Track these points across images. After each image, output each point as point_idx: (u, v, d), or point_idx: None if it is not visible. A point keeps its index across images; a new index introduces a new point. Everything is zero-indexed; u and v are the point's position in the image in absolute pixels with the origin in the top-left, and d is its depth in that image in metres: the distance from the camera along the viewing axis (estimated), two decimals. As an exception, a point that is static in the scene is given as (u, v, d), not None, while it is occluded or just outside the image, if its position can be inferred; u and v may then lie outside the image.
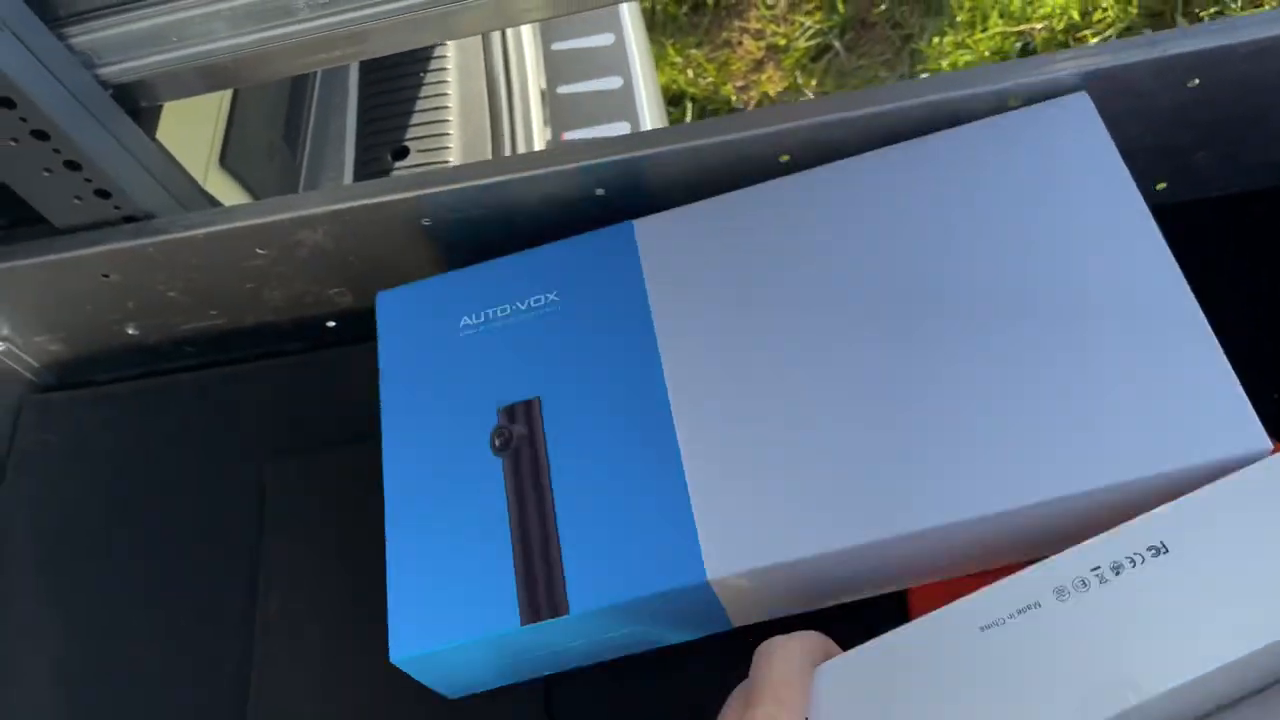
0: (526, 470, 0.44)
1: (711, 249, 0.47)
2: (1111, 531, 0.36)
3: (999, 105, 0.48)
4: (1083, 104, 0.47)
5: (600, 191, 0.52)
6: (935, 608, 0.43)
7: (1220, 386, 0.39)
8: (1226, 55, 0.47)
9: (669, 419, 0.43)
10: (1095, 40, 1.02)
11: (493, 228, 0.54)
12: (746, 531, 0.40)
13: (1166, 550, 0.36)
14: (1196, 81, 0.48)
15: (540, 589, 0.41)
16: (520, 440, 0.44)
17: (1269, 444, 0.38)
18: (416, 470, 0.45)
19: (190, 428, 0.59)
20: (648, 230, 0.49)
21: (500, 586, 0.42)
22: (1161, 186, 0.54)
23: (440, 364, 0.47)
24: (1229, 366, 0.40)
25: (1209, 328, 0.41)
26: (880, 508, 0.39)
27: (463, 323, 0.48)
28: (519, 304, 0.48)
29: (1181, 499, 0.37)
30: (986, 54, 1.04)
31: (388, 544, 0.44)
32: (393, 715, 0.48)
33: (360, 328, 0.61)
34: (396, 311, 0.50)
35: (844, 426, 0.41)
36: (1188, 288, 0.41)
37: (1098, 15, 1.00)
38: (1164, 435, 0.39)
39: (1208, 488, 0.37)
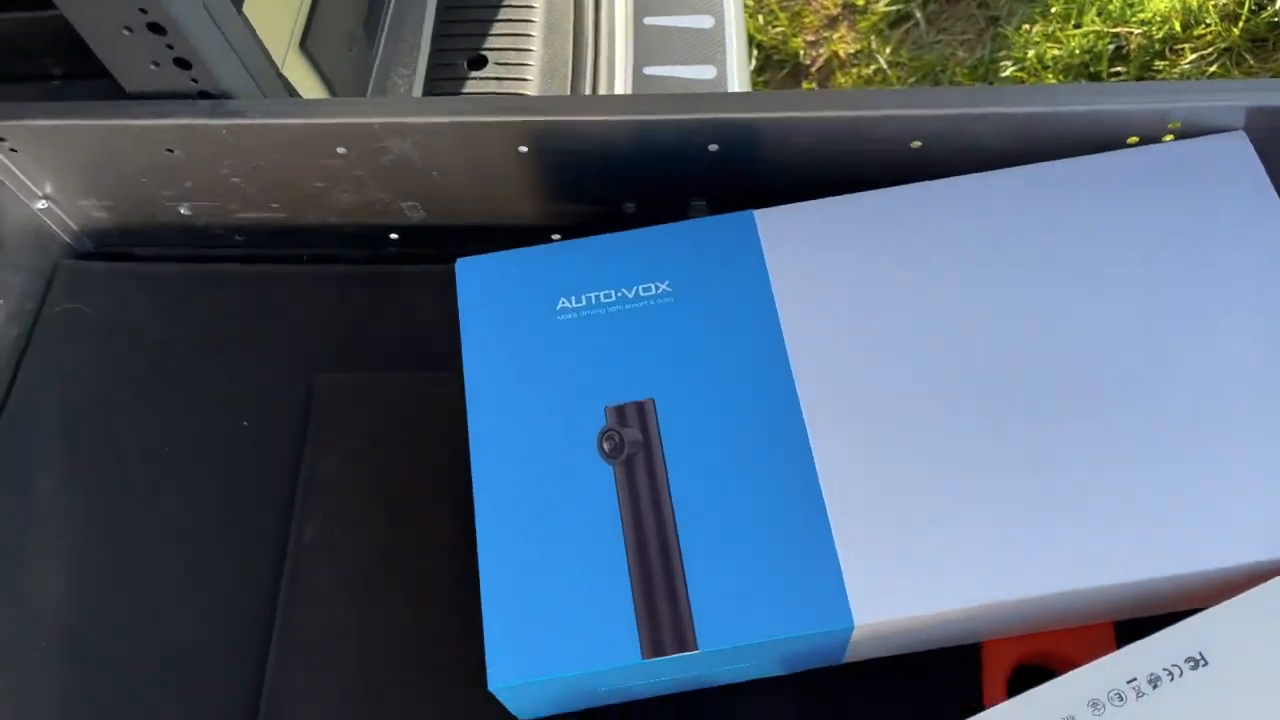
0: (643, 481, 0.40)
1: (844, 254, 0.44)
2: (1150, 640, 0.35)
3: (1157, 125, 0.45)
4: (1241, 145, 0.44)
5: (714, 148, 0.49)
6: (1007, 653, 0.41)
7: None
8: (1407, 113, 0.44)
9: (804, 438, 0.40)
10: (1193, 56, 0.98)
11: (591, 166, 0.51)
12: (892, 577, 0.37)
13: (1205, 662, 0.34)
14: (1366, 135, 0.45)
15: (664, 621, 0.37)
16: (634, 446, 0.40)
17: None
18: (510, 468, 0.41)
19: (234, 322, 0.56)
20: (771, 224, 0.45)
21: (618, 614, 0.38)
22: (1292, 235, 0.51)
23: (534, 349, 0.43)
24: None
25: None
26: (1029, 566, 0.37)
27: (560, 304, 0.44)
28: (625, 290, 0.44)
29: (1217, 607, 0.35)
30: (1077, 51, 1.01)
31: (481, 552, 0.39)
32: (423, 645, 0.45)
33: (425, 243, 0.58)
34: (481, 282, 0.45)
35: (988, 474, 0.39)
36: None
37: (1199, 30, 0.97)
38: None
39: (1245, 594, 0.35)
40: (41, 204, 0.57)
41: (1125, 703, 0.34)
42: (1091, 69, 1.01)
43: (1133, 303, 0.41)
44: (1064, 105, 0.45)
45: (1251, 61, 1.01)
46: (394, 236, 0.58)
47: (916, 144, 0.47)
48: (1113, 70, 1.00)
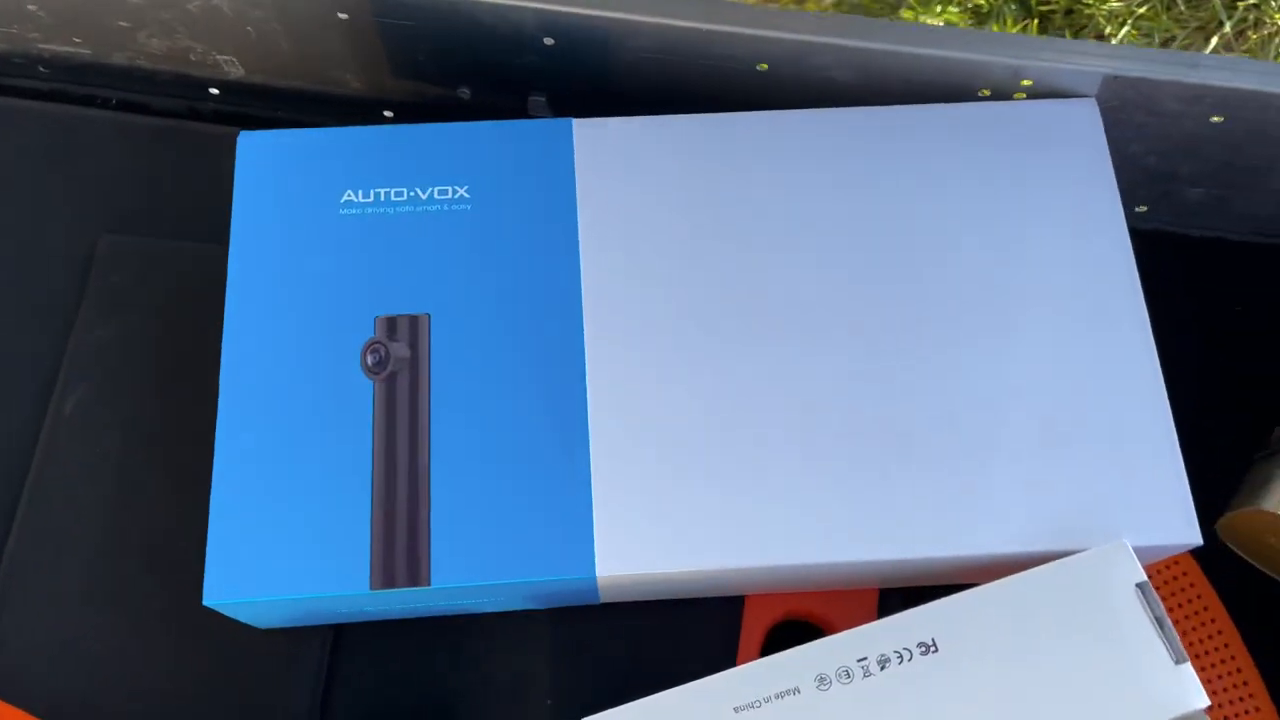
0: (403, 401, 0.37)
1: (660, 179, 0.41)
2: (886, 621, 0.34)
3: (1009, 80, 0.42)
4: (1090, 113, 0.42)
5: (549, 41, 0.45)
6: (767, 609, 0.41)
7: (1164, 462, 0.37)
8: (1263, 102, 0.42)
9: (582, 378, 0.38)
10: (1106, 21, 0.95)
11: (419, 43, 0.47)
12: (644, 534, 0.36)
13: (935, 649, 0.34)
14: (1222, 119, 0.43)
15: (400, 553, 0.35)
16: (399, 364, 0.37)
17: (1199, 539, 0.36)
18: (262, 371, 0.38)
19: (24, 166, 0.51)
20: (589, 135, 0.41)
21: (351, 540, 0.35)
22: (1142, 209, 0.50)
23: (310, 242, 0.39)
24: (1176, 442, 0.37)
25: (1165, 396, 0.38)
26: (786, 538, 0.36)
27: (345, 197, 0.40)
28: (419, 191, 0.40)
29: (956, 596, 0.34)
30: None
31: (216, 458, 0.37)
32: (174, 546, 0.43)
33: (247, 103, 0.53)
34: (263, 161, 0.41)
35: (764, 438, 0.37)
36: (1154, 351, 0.38)
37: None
38: (1096, 511, 0.36)
39: (982, 587, 0.35)
40: None
41: (852, 680, 0.34)
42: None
43: (942, 267, 0.39)
44: (914, 47, 0.42)
45: (1183, 8, 0.98)
46: (214, 91, 0.53)
47: (763, 66, 0.44)
48: (1043, 6, 0.96)
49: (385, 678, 0.42)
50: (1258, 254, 0.50)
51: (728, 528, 0.36)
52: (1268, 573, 0.44)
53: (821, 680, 0.34)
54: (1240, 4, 0.95)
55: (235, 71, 0.51)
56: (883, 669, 0.34)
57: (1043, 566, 0.35)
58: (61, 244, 0.49)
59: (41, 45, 0.52)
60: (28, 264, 0.48)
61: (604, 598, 0.40)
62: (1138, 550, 0.35)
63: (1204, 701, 0.33)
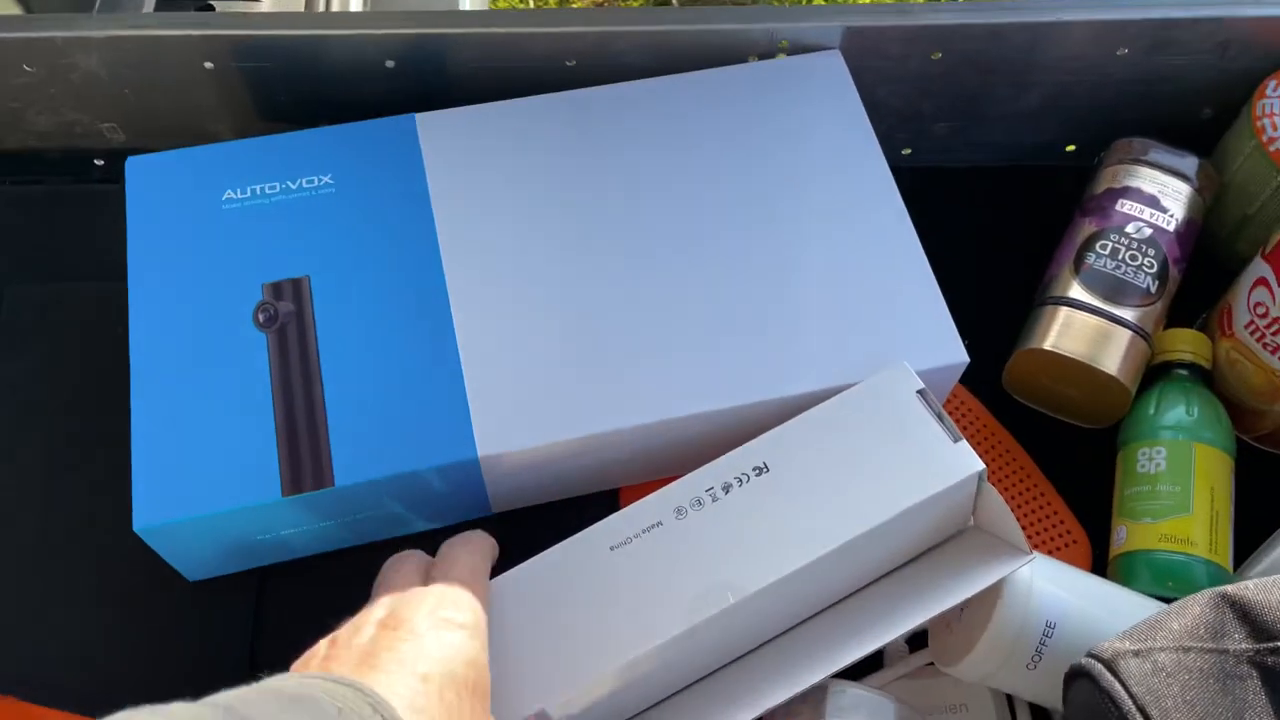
0: (293, 345, 0.43)
1: (493, 150, 0.49)
2: (727, 455, 0.42)
3: (769, 43, 0.52)
4: (837, 62, 0.52)
5: (390, 64, 0.53)
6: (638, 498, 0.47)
7: (929, 305, 0.45)
8: (966, 34, 0.52)
9: (445, 303, 0.45)
10: None
11: (277, 85, 0.54)
12: (515, 413, 0.42)
13: (768, 469, 0.41)
14: (939, 55, 0.53)
15: (304, 460, 0.41)
16: (287, 316, 0.44)
17: (966, 357, 0.44)
18: (167, 340, 0.44)
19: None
20: (431, 125, 0.50)
21: (261, 457, 0.41)
22: (907, 151, 0.60)
23: (198, 236, 0.46)
24: (938, 290, 0.46)
25: (925, 259, 0.46)
26: (637, 400, 0.43)
27: (225, 196, 0.47)
28: (289, 183, 0.47)
29: (777, 428, 0.42)
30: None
31: (133, 409, 0.42)
32: (92, 536, 0.47)
33: (131, 170, 0.60)
34: (149, 179, 0.48)
35: (608, 326, 0.44)
36: (910, 226, 0.47)
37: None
38: (882, 348, 0.44)
39: (806, 413, 0.42)
40: None
41: (704, 506, 0.40)
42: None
43: (734, 189, 0.48)
44: (691, 24, 0.51)
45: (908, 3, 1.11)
46: (99, 163, 0.59)
47: (570, 62, 0.53)
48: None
49: (310, 623, 0.47)
50: (1002, 175, 0.60)
51: (585, 400, 0.43)
52: (1052, 414, 0.52)
53: (679, 511, 0.40)
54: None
55: (118, 138, 0.58)
56: (727, 493, 0.41)
57: (842, 393, 0.43)
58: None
59: (-64, 139, 0.58)
60: (-59, 318, 0.53)
61: (495, 506, 0.46)
62: (921, 374, 0.43)
63: (979, 465, 0.40)
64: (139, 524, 0.40)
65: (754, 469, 0.41)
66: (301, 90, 0.55)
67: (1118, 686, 0.33)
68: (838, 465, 0.41)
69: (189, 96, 0.55)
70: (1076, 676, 0.35)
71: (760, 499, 0.40)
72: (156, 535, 0.41)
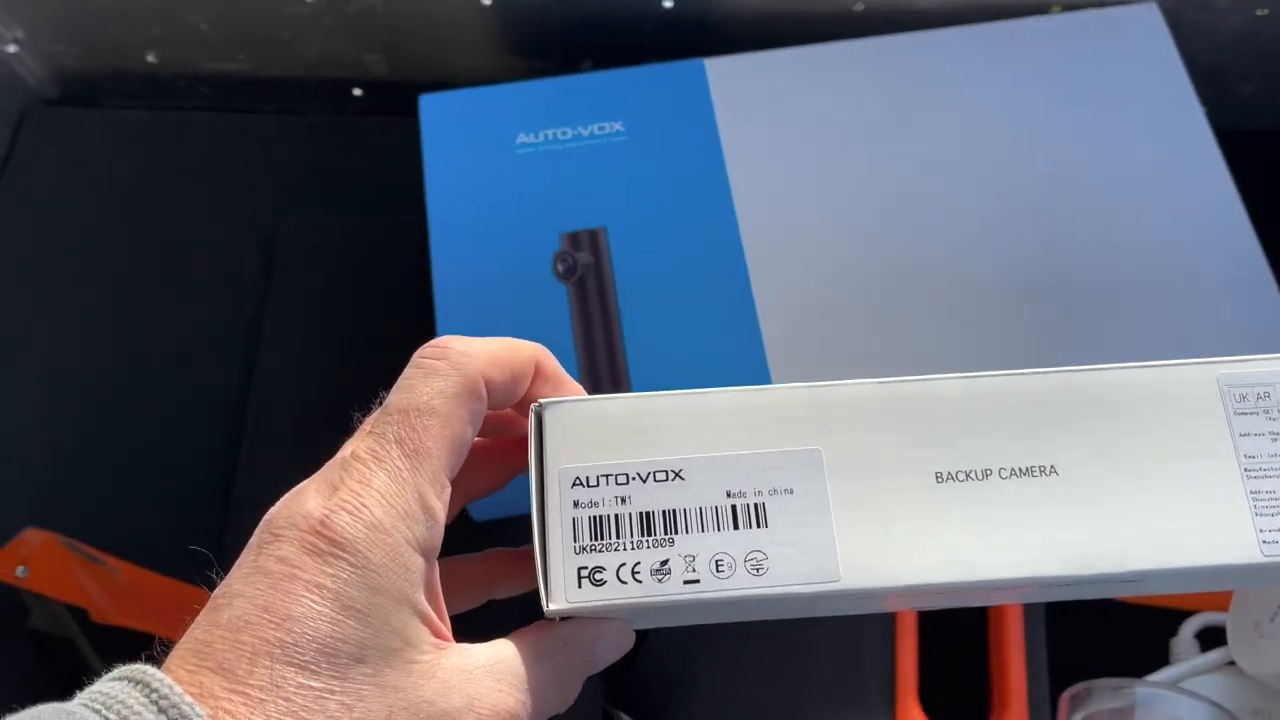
0: (593, 297, 0.43)
1: (784, 98, 0.47)
2: None
3: (1078, -6, 0.49)
4: (1153, 15, 0.48)
5: (668, 4, 0.51)
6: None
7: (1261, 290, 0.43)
8: (1304, -12, 0.48)
9: (741, 258, 0.44)
10: None
11: (553, 23, 0.53)
12: (812, 367, 0.41)
13: None
14: (1266, 11, 0.49)
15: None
16: (585, 268, 0.44)
17: None
18: (468, 288, 0.44)
19: (201, 169, 0.58)
20: (720, 70, 0.48)
21: None
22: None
23: (495, 179, 0.46)
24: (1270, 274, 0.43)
25: (1258, 241, 0.43)
26: (923, 361, 0.42)
27: (519, 139, 0.47)
28: (581, 129, 0.47)
29: None
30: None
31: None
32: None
33: (387, 101, 0.60)
34: (443, 117, 0.48)
35: (901, 285, 0.43)
36: (1235, 191, 0.44)
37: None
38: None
39: None
40: (12, 48, 0.58)
41: None
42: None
43: (1039, 149, 0.45)
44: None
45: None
46: (357, 92, 0.60)
47: (860, 7, 0.50)
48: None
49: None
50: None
51: (883, 358, 0.42)
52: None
53: None
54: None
55: (380, 69, 0.58)
56: None
57: None
58: (246, 230, 0.55)
59: (205, 65, 0.59)
60: (215, 245, 0.55)
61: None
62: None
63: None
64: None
65: None
66: (575, 30, 0.54)
67: None
68: None
69: (459, 31, 0.54)
70: None
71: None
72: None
